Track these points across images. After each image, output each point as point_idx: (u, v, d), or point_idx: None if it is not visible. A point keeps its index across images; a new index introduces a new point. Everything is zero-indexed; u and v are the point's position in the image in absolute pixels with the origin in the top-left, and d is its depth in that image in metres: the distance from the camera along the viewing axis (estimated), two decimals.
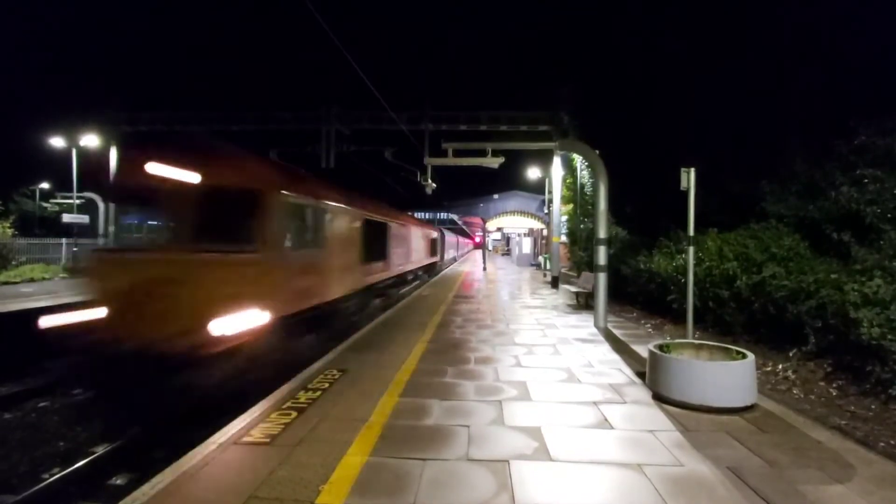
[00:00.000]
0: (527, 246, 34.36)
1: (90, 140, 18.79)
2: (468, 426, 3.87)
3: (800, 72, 8.99)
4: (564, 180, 18.39)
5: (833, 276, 6.10)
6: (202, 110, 18.29)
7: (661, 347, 4.85)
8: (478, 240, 65.51)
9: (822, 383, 5.47)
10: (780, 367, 6.05)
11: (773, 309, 6.69)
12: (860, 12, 7.79)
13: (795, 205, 8.20)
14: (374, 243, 10.49)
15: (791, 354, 6.27)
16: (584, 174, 17.57)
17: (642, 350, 6.28)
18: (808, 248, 7.44)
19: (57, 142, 19.21)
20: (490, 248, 51.95)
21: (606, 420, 4.04)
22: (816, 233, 7.61)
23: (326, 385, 4.97)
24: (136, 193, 5.83)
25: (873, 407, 4.76)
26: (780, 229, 8.00)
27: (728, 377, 4.30)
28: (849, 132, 7.40)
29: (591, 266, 9.58)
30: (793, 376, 5.75)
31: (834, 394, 5.18)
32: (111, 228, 6.78)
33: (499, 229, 46.03)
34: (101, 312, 5.22)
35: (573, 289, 12.17)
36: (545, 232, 28.69)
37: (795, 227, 7.98)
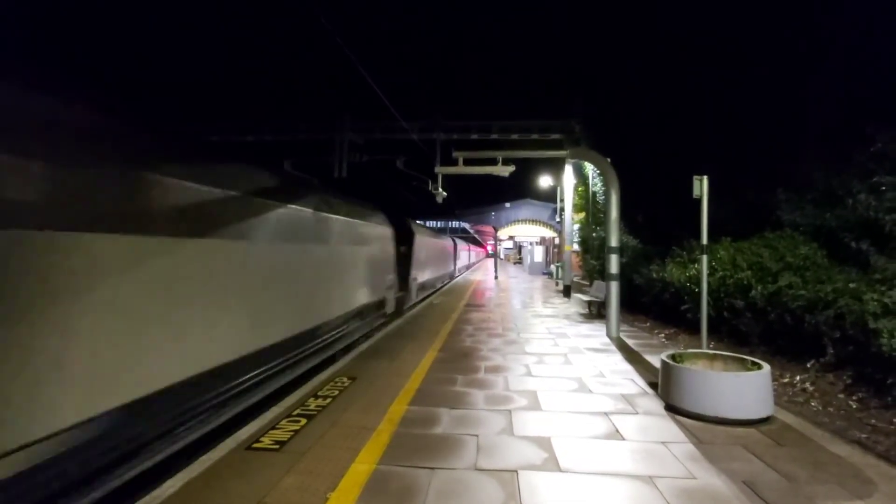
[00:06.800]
0: (539, 254, 34.21)
1: None
2: (477, 435, 3.85)
3: (816, 78, 8.86)
4: (576, 189, 18.31)
5: (851, 285, 5.96)
6: (218, 121, 18.65)
7: (674, 357, 4.78)
8: (489, 248, 65.43)
9: (841, 395, 5.32)
10: (798, 378, 5.92)
11: (790, 319, 6.55)
12: (878, 17, 7.67)
13: (812, 213, 8.05)
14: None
15: (809, 366, 6.12)
16: (595, 182, 17.49)
17: (655, 360, 6.19)
18: (825, 258, 7.30)
19: None
20: (502, 256, 51.81)
21: (618, 431, 3.98)
22: (834, 242, 7.46)
23: (336, 392, 4.99)
24: None
25: (895, 420, 4.62)
26: (795, 238, 7.87)
27: (743, 388, 4.21)
28: (866, 139, 7.27)
29: (604, 275, 9.51)
30: (811, 388, 5.61)
31: (854, 406, 5.04)
32: None
33: (511, 238, 45.92)
34: None
35: (585, 298, 12.08)
36: (557, 241, 28.54)
37: (812, 236, 7.83)
